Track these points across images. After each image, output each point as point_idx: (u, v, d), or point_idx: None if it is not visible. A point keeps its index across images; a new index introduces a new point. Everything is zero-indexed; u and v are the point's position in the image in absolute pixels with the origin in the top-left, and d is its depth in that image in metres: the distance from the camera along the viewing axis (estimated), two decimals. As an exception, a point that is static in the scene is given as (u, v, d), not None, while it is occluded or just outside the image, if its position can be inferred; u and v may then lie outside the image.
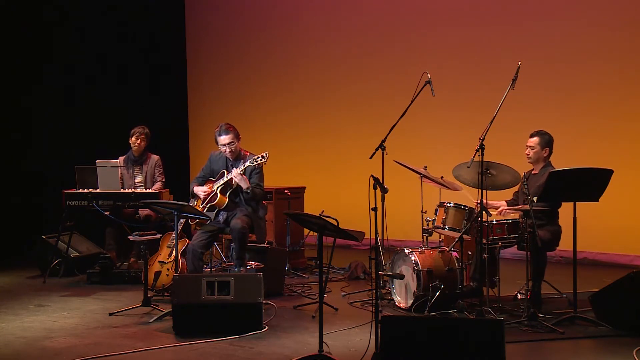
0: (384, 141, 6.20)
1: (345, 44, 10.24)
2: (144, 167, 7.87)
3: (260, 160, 6.43)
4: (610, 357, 5.04)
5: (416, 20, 9.70)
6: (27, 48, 9.64)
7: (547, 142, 6.33)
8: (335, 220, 4.88)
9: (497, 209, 6.31)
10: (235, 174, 6.46)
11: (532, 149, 6.35)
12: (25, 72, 9.63)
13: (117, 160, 7.81)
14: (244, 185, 6.48)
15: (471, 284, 6.29)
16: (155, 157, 7.97)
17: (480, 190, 5.74)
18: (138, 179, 7.77)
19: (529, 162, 6.43)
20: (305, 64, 10.61)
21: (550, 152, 6.35)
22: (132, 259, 7.65)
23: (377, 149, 6.21)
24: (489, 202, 6.04)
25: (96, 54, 10.30)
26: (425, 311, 5.93)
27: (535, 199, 5.82)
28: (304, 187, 8.58)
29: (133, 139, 7.86)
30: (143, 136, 7.87)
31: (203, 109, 11.57)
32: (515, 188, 6.47)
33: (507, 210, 6.25)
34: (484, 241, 5.90)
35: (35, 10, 9.70)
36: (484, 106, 7.64)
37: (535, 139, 6.35)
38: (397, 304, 6.29)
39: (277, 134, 10.78)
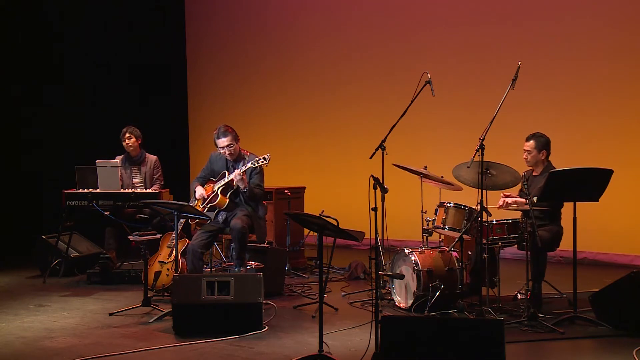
0: (384, 141, 6.20)
1: (345, 44, 10.23)
2: (142, 168, 7.84)
3: (262, 162, 6.45)
4: (610, 357, 5.04)
5: (416, 20, 9.69)
6: (26, 49, 9.64)
7: (543, 144, 6.31)
8: (335, 220, 4.88)
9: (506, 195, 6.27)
10: (236, 175, 6.48)
11: (530, 153, 6.33)
12: (25, 73, 9.62)
13: (117, 160, 7.79)
14: (242, 185, 6.50)
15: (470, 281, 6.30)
16: (153, 158, 7.95)
17: (480, 190, 5.74)
18: (137, 180, 7.74)
19: (527, 166, 6.42)
20: (304, 63, 10.61)
21: (548, 154, 6.34)
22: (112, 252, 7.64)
23: (377, 149, 6.20)
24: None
25: (96, 54, 10.29)
26: (425, 311, 5.93)
27: (535, 199, 5.82)
28: (304, 187, 8.57)
29: (125, 141, 7.85)
30: (133, 136, 7.81)
31: (203, 109, 11.57)
32: (516, 187, 6.46)
33: (513, 197, 6.21)
34: (484, 241, 5.91)
35: (35, 9, 9.69)
36: (484, 106, 7.64)
37: (531, 143, 6.32)
38: (397, 304, 6.28)
39: (277, 134, 10.77)
